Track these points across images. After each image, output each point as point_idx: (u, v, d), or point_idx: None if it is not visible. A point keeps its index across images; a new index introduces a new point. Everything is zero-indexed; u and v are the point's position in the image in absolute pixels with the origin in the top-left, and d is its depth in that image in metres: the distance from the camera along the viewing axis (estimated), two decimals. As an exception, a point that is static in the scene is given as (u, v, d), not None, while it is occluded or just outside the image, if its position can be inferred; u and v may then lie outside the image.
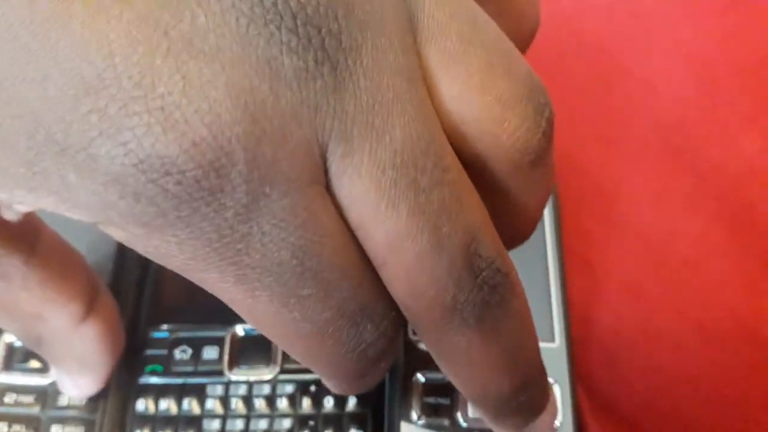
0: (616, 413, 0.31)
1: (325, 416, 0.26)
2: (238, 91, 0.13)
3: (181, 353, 0.26)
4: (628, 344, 0.32)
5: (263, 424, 0.25)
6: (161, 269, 0.24)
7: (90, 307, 0.22)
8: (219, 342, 0.27)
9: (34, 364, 0.26)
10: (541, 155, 0.17)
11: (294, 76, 0.14)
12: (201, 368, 0.26)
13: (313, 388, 0.26)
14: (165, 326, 0.27)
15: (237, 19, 0.13)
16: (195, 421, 0.26)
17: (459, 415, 0.26)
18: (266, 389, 0.26)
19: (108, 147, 0.13)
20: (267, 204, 0.14)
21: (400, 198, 0.15)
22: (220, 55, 0.13)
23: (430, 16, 0.16)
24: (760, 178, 0.35)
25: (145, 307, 0.28)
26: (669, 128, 0.36)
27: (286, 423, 0.25)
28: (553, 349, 0.28)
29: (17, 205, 0.15)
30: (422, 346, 0.26)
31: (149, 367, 0.26)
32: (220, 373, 0.26)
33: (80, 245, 0.23)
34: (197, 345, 0.27)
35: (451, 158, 0.16)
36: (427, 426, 0.26)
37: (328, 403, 0.26)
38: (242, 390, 0.26)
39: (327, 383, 0.20)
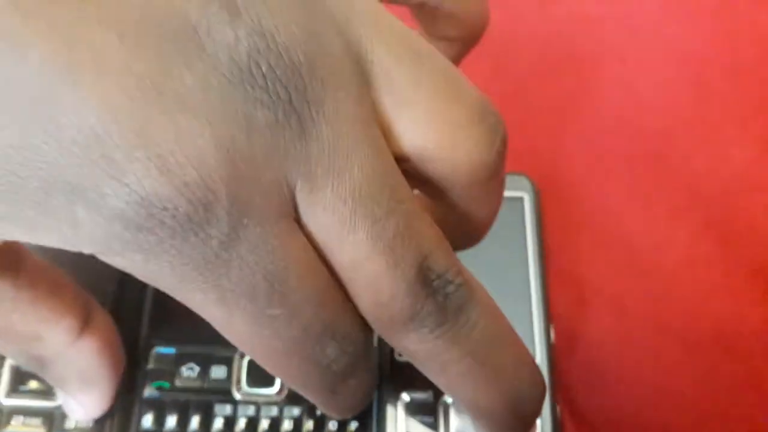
0: (597, 426, 0.32)
1: None
2: (220, 140, 0.16)
3: (188, 370, 0.27)
4: (611, 357, 0.33)
5: None
6: None
7: (85, 322, 0.23)
8: (227, 361, 0.27)
9: (40, 387, 0.26)
10: (495, 170, 0.20)
11: (266, 126, 0.16)
12: (208, 386, 0.27)
13: (318, 411, 0.26)
14: (172, 343, 0.27)
15: (218, 80, 0.16)
16: None
17: None
18: (273, 411, 0.26)
19: (114, 187, 0.15)
20: (244, 234, 0.17)
21: (359, 226, 0.18)
22: (204, 110, 0.16)
23: (379, 64, 0.18)
24: (749, 188, 0.36)
25: (151, 324, 0.28)
26: (656, 138, 0.37)
27: None
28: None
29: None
30: (406, 364, 0.27)
31: (155, 383, 0.27)
32: (228, 392, 0.27)
33: (79, 268, 0.23)
34: (205, 363, 0.27)
35: (404, 190, 0.18)
36: None
37: (333, 426, 0.26)
38: (250, 411, 0.26)
39: (318, 406, 0.23)
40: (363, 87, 0.18)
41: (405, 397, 0.27)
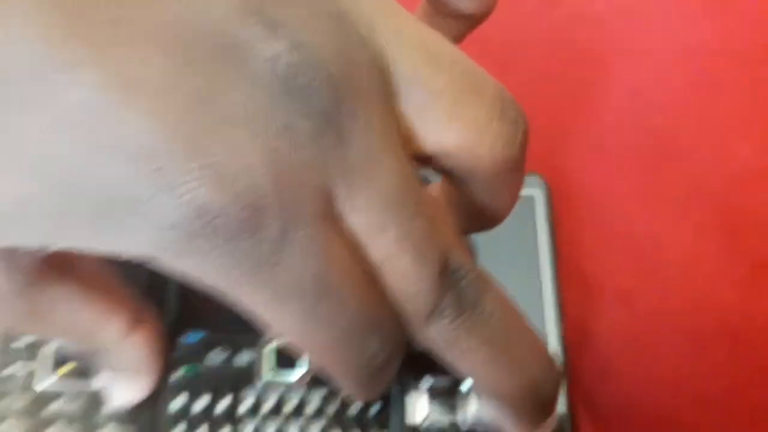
0: (608, 417, 0.33)
1: (351, 419, 0.28)
2: (268, 151, 0.17)
3: (216, 355, 0.28)
4: (620, 351, 0.34)
5: (296, 425, 0.27)
6: None
7: (136, 318, 0.24)
8: (254, 347, 0.28)
9: (78, 371, 0.27)
10: (517, 163, 0.21)
11: (307, 136, 0.17)
12: (235, 370, 0.28)
13: (341, 394, 0.27)
14: (201, 329, 0.28)
15: (261, 94, 0.17)
16: (230, 420, 0.27)
17: (460, 417, 0.28)
18: (299, 393, 0.28)
19: (170, 198, 0.16)
20: (292, 237, 0.17)
21: (389, 227, 0.19)
22: (251, 123, 0.17)
23: (400, 74, 0.19)
24: (753, 182, 0.36)
25: (181, 311, 0.29)
26: (661, 134, 0.38)
27: (317, 425, 0.27)
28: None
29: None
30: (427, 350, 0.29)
31: (185, 367, 0.28)
32: (254, 376, 0.28)
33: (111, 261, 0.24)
34: (232, 348, 0.28)
35: (426, 194, 0.20)
36: (432, 427, 0.28)
37: (355, 409, 0.27)
38: (277, 393, 0.28)
39: (344, 388, 0.23)
40: (388, 96, 0.19)
41: (426, 381, 0.29)
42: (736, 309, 0.34)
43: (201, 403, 0.27)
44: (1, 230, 0.17)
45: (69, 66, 0.16)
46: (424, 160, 0.21)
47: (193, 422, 0.27)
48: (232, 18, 0.17)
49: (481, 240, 0.31)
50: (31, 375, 0.27)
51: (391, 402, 0.28)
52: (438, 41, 0.20)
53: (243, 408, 0.27)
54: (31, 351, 0.28)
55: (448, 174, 0.21)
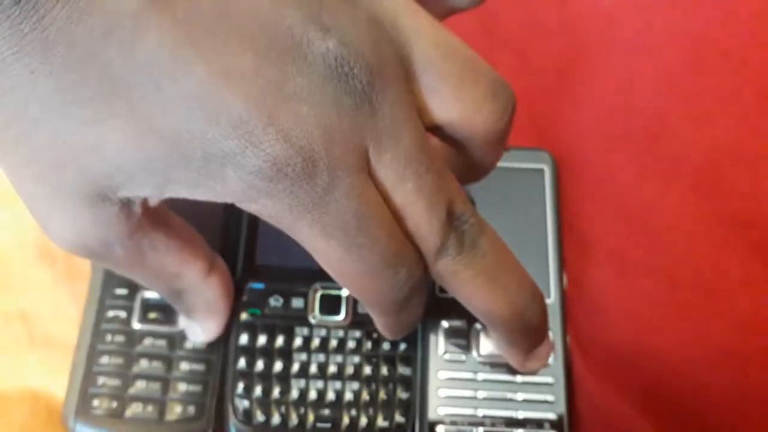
0: (599, 355, 0.35)
1: (383, 355, 0.32)
2: (321, 119, 0.21)
3: (275, 301, 0.32)
4: (610, 298, 0.36)
5: (338, 358, 0.31)
6: (263, 243, 0.31)
7: (211, 265, 0.29)
8: (304, 295, 0.32)
9: (163, 316, 0.32)
10: (504, 133, 0.25)
11: (350, 108, 0.22)
12: (290, 314, 0.32)
13: (375, 335, 0.31)
14: (262, 280, 0.32)
15: (317, 78, 0.21)
16: (285, 353, 0.31)
17: (474, 352, 0.32)
18: (340, 333, 0.32)
19: (255, 152, 0.21)
20: (339, 182, 0.22)
21: (408, 178, 0.23)
22: (310, 99, 0.21)
23: (416, 63, 0.24)
24: (730, 156, 0.38)
25: (245, 266, 0.33)
26: (652, 115, 0.39)
27: (355, 359, 0.31)
28: (549, 304, 0.32)
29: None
30: (444, 299, 0.32)
31: (249, 310, 0.32)
32: (305, 318, 0.32)
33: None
34: (287, 295, 0.32)
35: (435, 154, 0.24)
36: (450, 360, 0.32)
37: (386, 345, 0.32)
38: (322, 333, 0.32)
39: (378, 326, 0.27)
40: (408, 79, 0.23)
41: (444, 324, 0.32)
42: (712, 261, 0.36)
43: (261, 340, 0.31)
44: (126, 183, 0.22)
45: (184, 63, 0.20)
46: (433, 129, 0.25)
47: (256, 355, 0.31)
48: (297, 24, 0.21)
49: (498, 204, 0.35)
50: (129, 317, 0.32)
51: (415, 341, 0.32)
52: (447, 36, 0.25)
53: (295, 344, 0.31)
54: (129, 297, 0.32)
55: (451, 139, 0.26)
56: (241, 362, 0.31)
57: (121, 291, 0.32)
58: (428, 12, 0.24)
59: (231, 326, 0.31)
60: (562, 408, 0.31)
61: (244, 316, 0.32)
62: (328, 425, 0.31)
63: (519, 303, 0.26)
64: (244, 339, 0.31)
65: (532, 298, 0.26)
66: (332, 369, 0.31)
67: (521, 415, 0.31)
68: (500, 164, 0.28)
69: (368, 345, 0.32)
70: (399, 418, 0.31)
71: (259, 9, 0.21)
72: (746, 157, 0.39)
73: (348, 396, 0.31)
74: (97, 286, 0.33)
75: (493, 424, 0.31)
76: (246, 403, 0.31)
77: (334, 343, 0.32)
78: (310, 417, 0.31)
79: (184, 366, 0.31)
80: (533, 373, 0.31)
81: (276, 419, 0.30)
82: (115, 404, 0.30)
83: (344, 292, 0.33)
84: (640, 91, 0.41)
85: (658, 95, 0.40)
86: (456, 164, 0.27)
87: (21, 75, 0.20)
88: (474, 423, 0.31)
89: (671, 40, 0.41)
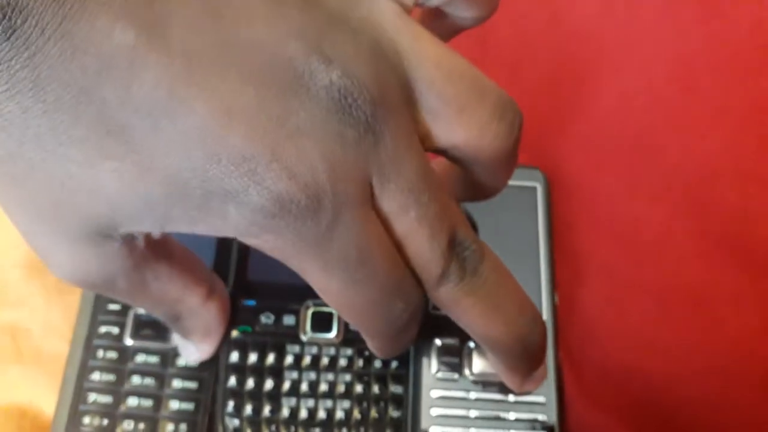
0: (590, 372, 0.35)
1: (375, 373, 0.32)
2: (325, 153, 0.21)
3: (266, 318, 0.32)
4: (601, 315, 0.36)
5: (329, 376, 0.31)
6: (254, 260, 0.31)
7: (211, 289, 0.29)
8: (296, 312, 0.32)
9: (155, 332, 0.32)
10: (512, 154, 0.25)
11: (353, 140, 0.21)
12: (281, 331, 0.32)
13: (366, 352, 0.31)
14: (253, 297, 0.32)
15: (321, 111, 0.21)
16: (276, 371, 0.31)
17: (467, 371, 0.32)
18: (332, 351, 0.32)
19: (258, 190, 0.20)
20: (343, 218, 0.21)
21: (411, 207, 0.23)
22: (313, 133, 0.21)
23: (419, 90, 0.23)
24: (717, 174, 0.39)
25: (236, 284, 0.33)
26: (642, 133, 0.40)
27: (346, 377, 0.31)
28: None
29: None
30: (438, 316, 0.31)
31: (240, 328, 0.32)
32: (296, 336, 0.32)
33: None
34: (278, 312, 0.32)
35: (439, 183, 0.23)
36: (442, 379, 0.32)
37: (378, 363, 0.32)
38: (314, 350, 0.32)
39: (370, 347, 0.27)
40: (410, 105, 0.23)
41: (437, 342, 0.32)
42: (701, 276, 0.37)
43: (252, 358, 0.31)
44: (128, 221, 0.22)
45: (183, 101, 0.19)
46: (439, 151, 0.25)
47: (246, 373, 0.31)
48: (298, 57, 0.21)
49: (491, 221, 0.35)
50: (121, 333, 0.32)
51: (408, 360, 0.32)
52: (450, 57, 0.24)
53: (286, 362, 0.31)
54: (122, 313, 0.32)
55: (458, 160, 0.25)
56: (232, 380, 0.31)
57: (114, 306, 0.32)
58: (432, 33, 0.24)
59: (222, 344, 0.31)
60: (553, 427, 0.32)
61: (234, 333, 0.32)
62: (319, 444, 0.31)
63: (520, 329, 0.26)
64: (234, 357, 0.31)
65: (533, 324, 0.26)
66: (323, 387, 0.31)
67: (513, 434, 0.31)
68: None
69: (360, 363, 0.32)
70: (390, 436, 0.31)
71: (258, 40, 0.21)
72: (735, 174, 0.39)
73: (339, 414, 0.31)
74: (89, 300, 0.32)
75: (485, 443, 0.31)
76: (236, 422, 0.31)
77: (325, 360, 0.32)
78: (301, 436, 0.31)
79: (177, 383, 0.31)
80: (528, 393, 0.31)
81: (267, 438, 0.30)
82: (106, 422, 0.30)
83: (336, 309, 0.33)
84: (630, 109, 0.41)
85: (647, 113, 0.41)
86: (464, 184, 0.27)
87: (13, 113, 0.19)
88: (466, 442, 0.31)
89: (660, 59, 0.42)
